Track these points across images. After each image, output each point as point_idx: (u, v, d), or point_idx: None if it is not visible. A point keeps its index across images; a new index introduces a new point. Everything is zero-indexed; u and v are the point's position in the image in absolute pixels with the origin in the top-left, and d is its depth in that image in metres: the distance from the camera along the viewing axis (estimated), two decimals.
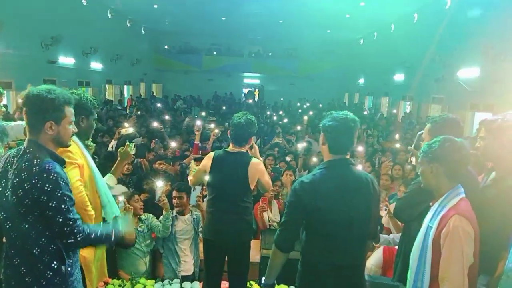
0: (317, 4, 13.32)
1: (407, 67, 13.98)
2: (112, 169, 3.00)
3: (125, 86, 19.39)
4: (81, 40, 13.38)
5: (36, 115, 1.84)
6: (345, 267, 2.16)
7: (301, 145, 6.08)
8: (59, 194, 1.77)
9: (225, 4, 14.69)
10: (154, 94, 22.30)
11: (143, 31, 20.65)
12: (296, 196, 2.15)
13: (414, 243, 2.12)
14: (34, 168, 1.75)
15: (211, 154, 3.18)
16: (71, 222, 1.82)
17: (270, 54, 24.08)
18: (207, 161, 3.14)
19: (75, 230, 1.83)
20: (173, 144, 6.47)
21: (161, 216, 3.87)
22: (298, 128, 9.65)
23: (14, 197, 1.75)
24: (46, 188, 1.75)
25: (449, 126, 2.46)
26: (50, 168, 1.77)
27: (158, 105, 14.83)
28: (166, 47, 23.94)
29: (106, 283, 3.24)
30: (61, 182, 1.79)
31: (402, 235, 2.74)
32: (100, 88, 15.89)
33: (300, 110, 16.11)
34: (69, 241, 1.83)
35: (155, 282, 3.38)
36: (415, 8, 13.24)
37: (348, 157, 2.24)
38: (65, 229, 1.81)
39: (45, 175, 1.75)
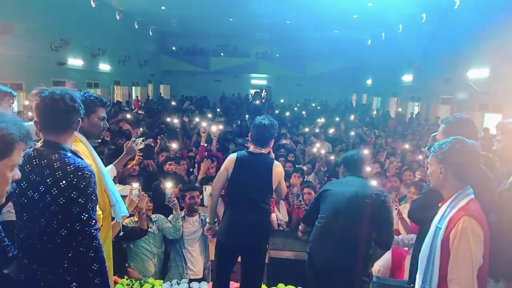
0: (325, 4, 13.30)
1: (415, 68, 13.90)
2: (115, 161, 3.05)
3: (133, 87, 19.52)
4: (89, 41, 13.51)
5: (67, 116, 1.85)
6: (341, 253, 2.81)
7: (323, 150, 6.16)
8: (88, 192, 1.79)
9: (233, 5, 14.74)
10: (162, 95, 22.41)
11: (151, 33, 20.79)
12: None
13: (423, 244, 2.11)
14: (68, 167, 1.77)
15: (234, 154, 3.17)
16: (93, 223, 1.81)
17: (277, 55, 24.07)
18: (230, 161, 3.11)
19: (94, 233, 1.80)
20: (174, 145, 6.42)
21: (170, 216, 3.89)
22: (306, 129, 9.61)
23: (47, 196, 1.74)
24: (79, 185, 1.77)
25: (463, 126, 2.45)
26: (84, 166, 1.81)
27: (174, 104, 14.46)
28: (173, 48, 24.06)
29: (115, 282, 3.27)
30: (92, 181, 1.82)
31: (417, 237, 2.73)
32: (108, 89, 16.02)
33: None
34: (84, 241, 1.79)
35: (163, 282, 3.40)
36: (423, 8, 13.16)
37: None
38: (87, 228, 1.78)
39: (79, 173, 1.78)
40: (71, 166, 1.77)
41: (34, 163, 1.79)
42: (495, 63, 8.89)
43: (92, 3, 13.12)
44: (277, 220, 4.51)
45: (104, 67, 15.14)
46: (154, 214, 3.94)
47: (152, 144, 6.66)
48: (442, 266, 1.93)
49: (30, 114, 6.17)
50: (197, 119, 9.83)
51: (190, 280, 3.56)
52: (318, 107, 18.19)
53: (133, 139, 3.22)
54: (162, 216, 3.95)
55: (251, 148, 3.15)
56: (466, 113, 2.67)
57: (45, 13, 10.57)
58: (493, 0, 9.48)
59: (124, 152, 3.10)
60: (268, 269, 3.57)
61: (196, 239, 3.86)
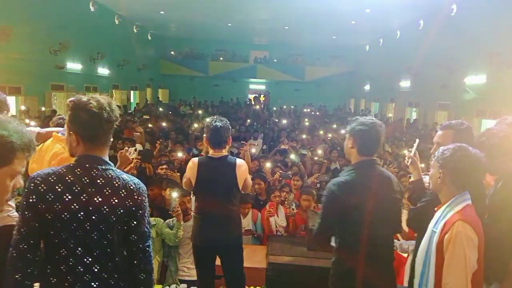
0: (323, 10, 13.38)
1: (413, 73, 13.97)
2: None
3: (132, 91, 19.52)
4: (88, 45, 13.52)
5: (112, 128, 1.76)
6: (373, 257, 2.30)
7: (320, 150, 6.18)
8: (146, 207, 1.79)
9: (231, 10, 14.80)
10: (160, 99, 22.40)
11: (149, 37, 20.83)
12: (333, 195, 2.30)
13: (419, 248, 2.12)
14: (128, 185, 1.72)
15: (195, 161, 3.13)
16: (149, 236, 1.79)
17: (275, 60, 24.14)
18: (192, 169, 3.08)
19: (149, 247, 1.79)
20: (179, 154, 6.40)
21: (168, 220, 3.90)
22: (304, 136, 9.62)
23: (112, 217, 1.66)
24: (142, 202, 1.75)
25: (466, 133, 2.47)
26: (139, 181, 1.77)
27: (160, 109, 14.66)
28: (172, 52, 24.09)
29: None
30: (146, 196, 1.79)
31: (417, 243, 2.72)
32: (107, 93, 16.01)
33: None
34: (140, 255, 1.76)
35: (163, 287, 3.40)
36: (421, 14, 13.26)
37: (374, 157, 2.41)
38: (145, 243, 1.77)
39: (140, 190, 1.75)
40: (131, 184, 1.72)
41: (85, 182, 1.66)
42: (492, 69, 8.96)
43: (91, 7, 13.14)
44: (276, 226, 4.52)
45: (103, 71, 15.15)
46: (153, 218, 3.94)
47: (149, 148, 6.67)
48: (438, 270, 1.94)
49: (28, 121, 6.16)
50: (195, 125, 9.85)
51: (188, 284, 3.57)
52: (317, 113, 18.18)
53: (126, 148, 3.26)
54: (161, 220, 3.96)
55: (211, 152, 3.12)
56: (464, 119, 2.68)
57: (44, 17, 10.59)
58: (490, 7, 9.56)
59: (119, 162, 3.10)
60: (267, 274, 3.57)
61: (190, 243, 3.88)
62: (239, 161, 3.12)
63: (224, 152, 3.11)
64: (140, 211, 1.73)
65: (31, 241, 1.60)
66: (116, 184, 1.69)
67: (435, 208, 2.14)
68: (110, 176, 1.69)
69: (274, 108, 19.40)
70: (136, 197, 1.71)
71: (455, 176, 2.02)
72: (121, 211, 1.67)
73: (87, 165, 1.68)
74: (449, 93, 11.39)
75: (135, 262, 1.74)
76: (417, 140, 2.70)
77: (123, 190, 1.69)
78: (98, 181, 1.66)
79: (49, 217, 1.60)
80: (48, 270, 1.65)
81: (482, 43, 9.41)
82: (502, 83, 8.54)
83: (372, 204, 2.27)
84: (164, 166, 5.30)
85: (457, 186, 2.03)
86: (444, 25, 11.64)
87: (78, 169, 1.66)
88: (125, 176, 1.74)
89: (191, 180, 3.08)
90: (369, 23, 15.03)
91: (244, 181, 3.09)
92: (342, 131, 10.55)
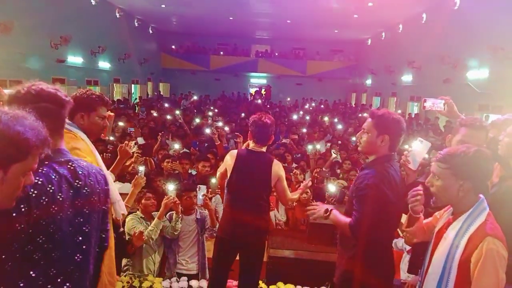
0: (325, 4, 13.31)
1: (415, 68, 13.91)
2: (111, 167, 3.07)
3: (133, 85, 19.51)
4: (89, 39, 13.50)
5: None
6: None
7: (320, 146, 6.22)
8: None
9: (233, 4, 14.72)
10: (162, 93, 22.37)
11: (150, 31, 20.78)
12: (377, 188, 2.21)
13: (433, 261, 1.96)
14: (100, 171, 1.77)
15: (234, 152, 3.21)
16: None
17: (277, 54, 24.06)
18: (230, 159, 3.14)
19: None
20: (176, 146, 6.40)
21: (168, 214, 3.90)
22: (304, 130, 9.60)
23: (99, 204, 1.70)
24: (108, 187, 1.81)
25: (480, 132, 2.48)
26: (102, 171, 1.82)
27: (166, 105, 14.68)
28: (173, 46, 24.03)
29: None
30: None
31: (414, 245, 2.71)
32: (108, 87, 16.00)
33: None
34: (103, 236, 1.81)
35: (163, 280, 3.41)
36: (423, 8, 13.17)
37: None
38: (108, 227, 1.86)
39: (105, 176, 1.80)
40: (98, 168, 1.78)
41: (69, 176, 1.60)
42: (495, 64, 8.91)
43: (92, 1, 13.08)
44: (276, 220, 4.52)
45: (104, 65, 15.13)
46: (155, 212, 3.94)
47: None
48: (458, 287, 1.81)
49: None
50: (197, 120, 9.84)
51: (188, 277, 3.58)
52: (322, 106, 18.17)
53: (126, 142, 3.27)
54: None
55: (251, 145, 3.15)
56: (466, 114, 2.65)
57: (45, 10, 10.55)
58: (494, 1, 9.49)
59: (119, 156, 3.13)
60: (267, 268, 3.58)
61: (191, 237, 3.88)
62: (276, 161, 3.17)
63: (264, 149, 3.15)
64: (109, 193, 1.81)
65: (17, 255, 1.40)
66: (93, 171, 1.69)
67: (441, 212, 2.03)
68: (85, 165, 1.66)
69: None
70: (107, 180, 1.77)
71: (479, 183, 1.85)
72: (102, 196, 1.72)
73: (61, 159, 1.60)
74: (451, 88, 11.32)
75: (105, 244, 1.81)
76: (428, 143, 2.38)
77: (99, 176, 1.71)
78: (80, 172, 1.62)
79: (44, 222, 1.46)
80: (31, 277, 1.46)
81: (485, 37, 9.34)
82: (505, 78, 8.49)
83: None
84: (169, 160, 5.32)
85: (477, 192, 1.87)
86: (447, 19, 11.55)
87: (56, 165, 1.56)
88: (88, 162, 1.76)
89: (227, 170, 3.11)
90: (371, 16, 14.93)
91: (277, 180, 3.09)
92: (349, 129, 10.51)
